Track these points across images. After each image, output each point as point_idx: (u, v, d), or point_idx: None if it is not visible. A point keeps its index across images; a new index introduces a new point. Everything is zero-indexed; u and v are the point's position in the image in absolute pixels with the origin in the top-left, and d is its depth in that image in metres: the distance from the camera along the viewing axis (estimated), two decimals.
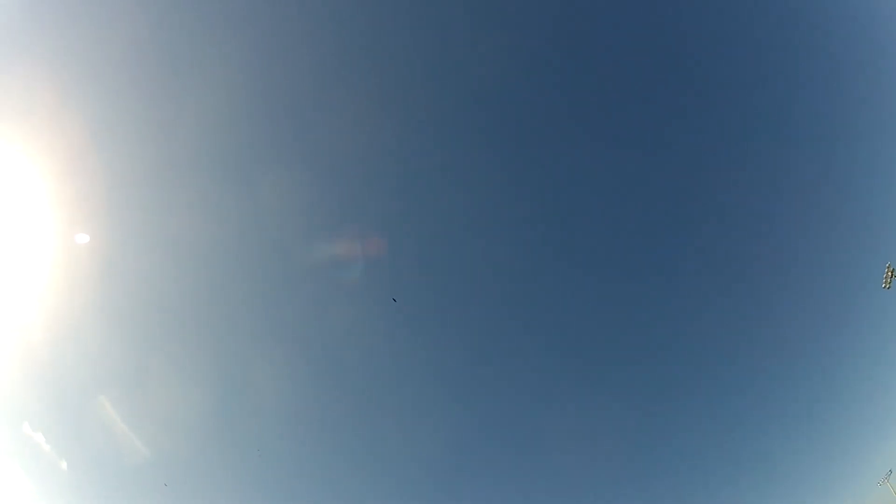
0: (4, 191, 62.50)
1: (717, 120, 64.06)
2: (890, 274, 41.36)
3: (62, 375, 67.36)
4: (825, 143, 60.72)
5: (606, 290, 72.87)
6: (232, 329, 74.45)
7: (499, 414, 73.75)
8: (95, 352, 67.90)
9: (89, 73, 61.16)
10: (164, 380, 70.54)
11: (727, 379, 69.63)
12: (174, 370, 70.61)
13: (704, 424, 70.30)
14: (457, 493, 71.34)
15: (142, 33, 59.95)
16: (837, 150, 60.13)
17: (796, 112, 61.88)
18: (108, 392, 69.05)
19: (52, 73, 59.56)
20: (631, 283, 72.26)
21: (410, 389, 76.12)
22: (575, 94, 66.20)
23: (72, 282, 65.62)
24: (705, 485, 68.46)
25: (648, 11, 59.57)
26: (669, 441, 70.98)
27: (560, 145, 68.93)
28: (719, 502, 68.08)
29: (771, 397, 67.99)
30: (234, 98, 64.14)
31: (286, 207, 68.88)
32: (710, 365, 70.47)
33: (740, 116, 62.86)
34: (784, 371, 67.18)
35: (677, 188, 67.92)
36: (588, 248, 72.85)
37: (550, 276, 74.07)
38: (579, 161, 69.36)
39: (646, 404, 71.46)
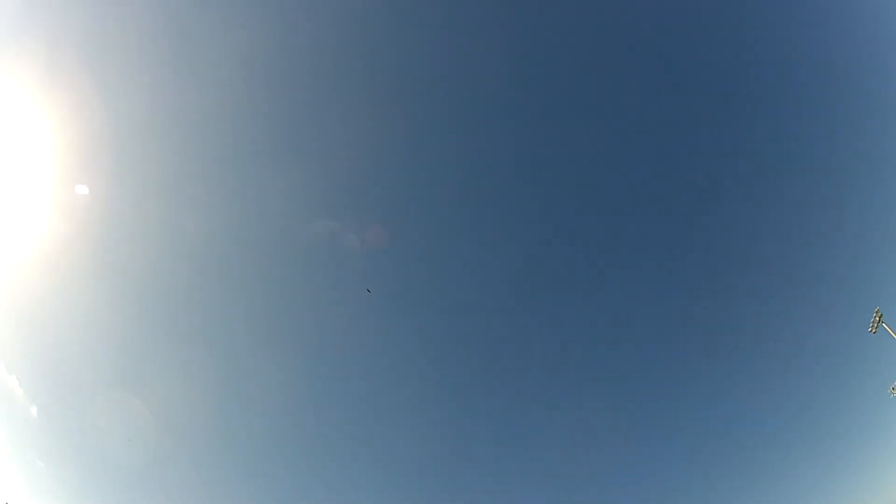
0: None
1: (714, 129, 64.35)
2: (878, 319, 41.27)
3: (45, 323, 67.30)
4: (821, 176, 61.12)
5: (605, 288, 73.20)
6: (223, 309, 74.25)
7: (498, 413, 73.95)
8: (81, 304, 67.73)
9: (94, 62, 61.10)
10: (150, 345, 70.61)
11: (707, 413, 69.91)
12: (160, 338, 70.69)
13: (684, 457, 70.50)
14: (456, 492, 71.50)
15: (146, 28, 59.95)
16: (833, 186, 60.46)
17: (801, 148, 62.25)
18: (89, 346, 69.16)
19: (55, 65, 59.62)
20: (628, 282, 72.59)
21: (410, 387, 76.09)
22: (576, 94, 66.28)
23: (64, 235, 65.65)
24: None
25: (649, 13, 59.68)
26: (638, 475, 71.15)
27: (562, 144, 69.01)
28: None
29: (745, 436, 68.12)
30: (234, 92, 64.09)
31: (289, 201, 69.06)
32: (691, 400, 70.71)
33: (737, 131, 63.23)
34: (760, 410, 67.41)
35: (676, 194, 68.34)
36: (588, 246, 73.16)
37: (550, 275, 74.31)
38: (580, 160, 69.54)
39: (635, 407, 72.02)
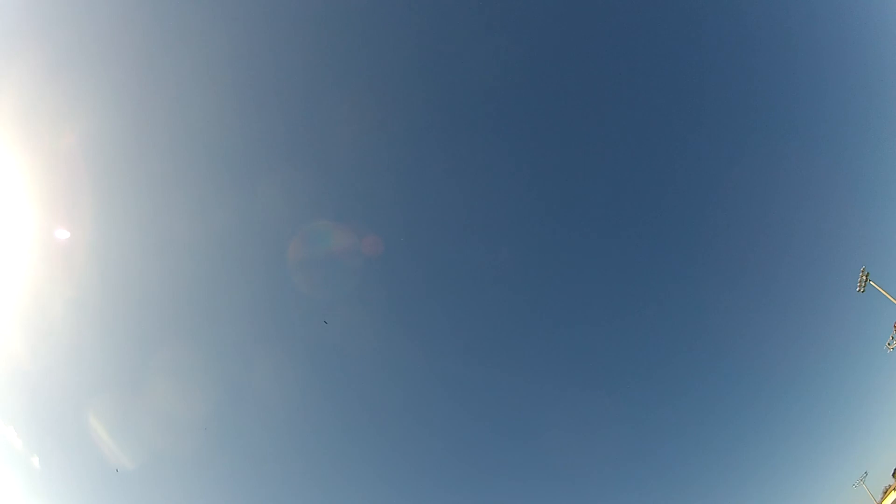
0: None
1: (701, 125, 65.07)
2: (864, 277, 41.97)
3: (38, 371, 65.92)
4: (808, 146, 62.02)
5: (602, 290, 73.69)
6: (221, 325, 73.37)
7: (497, 413, 74.09)
8: (72, 350, 66.60)
9: (84, 69, 60.06)
10: (140, 379, 69.40)
11: (708, 385, 70.67)
12: (152, 369, 69.37)
13: (687, 427, 71.08)
14: (455, 492, 71.13)
15: (142, 30, 59.06)
16: (819, 153, 61.40)
17: (783, 114, 63.16)
18: (84, 391, 67.84)
19: (49, 69, 58.47)
20: (624, 283, 73.16)
21: (410, 389, 75.90)
22: (576, 95, 66.64)
23: (52, 278, 64.45)
24: (686, 486, 68.88)
25: (649, 12, 60.23)
26: (651, 441, 71.58)
27: (562, 145, 69.50)
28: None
29: (748, 401, 68.98)
30: (229, 96, 63.77)
31: (283, 206, 68.55)
32: (692, 371, 71.37)
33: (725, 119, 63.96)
34: (761, 375, 68.23)
35: (669, 195, 68.93)
36: (587, 248, 73.68)
37: (549, 276, 74.66)
38: (579, 162, 70.10)
39: (630, 408, 72.23)
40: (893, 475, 56.78)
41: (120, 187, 63.88)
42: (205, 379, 69.68)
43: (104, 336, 67.90)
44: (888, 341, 43.17)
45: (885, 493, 54.80)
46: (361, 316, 72.52)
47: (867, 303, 44.09)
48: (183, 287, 69.41)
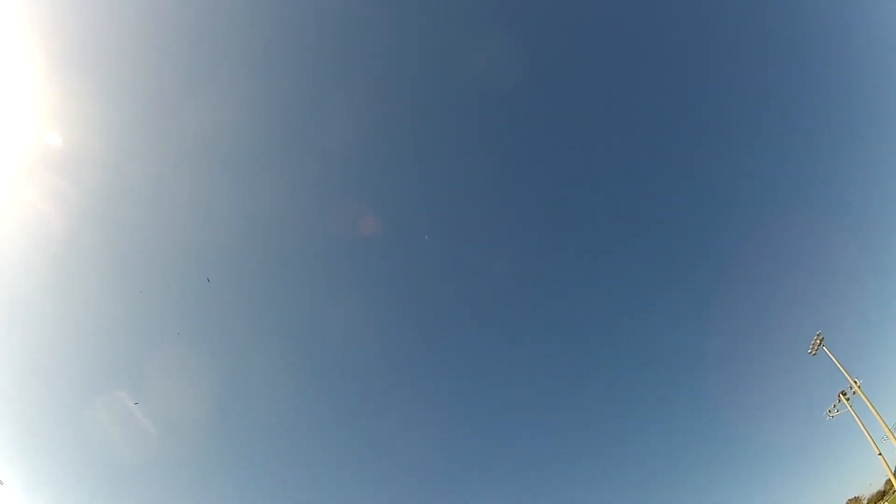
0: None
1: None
2: (819, 342, 44.95)
3: None
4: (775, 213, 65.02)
5: (601, 289, 74.49)
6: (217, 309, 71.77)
7: (494, 409, 76.41)
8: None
9: (93, 67, 59.45)
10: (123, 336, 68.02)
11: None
12: (146, 347, 68.72)
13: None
14: (454, 490, 71.76)
15: (148, 29, 58.30)
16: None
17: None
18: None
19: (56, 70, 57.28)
20: (621, 283, 74.07)
21: (410, 387, 75.89)
22: (576, 94, 68.11)
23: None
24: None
25: (650, 13, 61.90)
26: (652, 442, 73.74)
27: (562, 145, 70.71)
28: None
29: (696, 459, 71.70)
30: (234, 91, 63.65)
31: (287, 200, 68.38)
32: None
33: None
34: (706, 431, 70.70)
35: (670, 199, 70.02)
36: (585, 245, 74.71)
37: (546, 273, 75.56)
38: (578, 161, 71.33)
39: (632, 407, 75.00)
40: None
41: (127, 184, 62.83)
42: (200, 371, 68.82)
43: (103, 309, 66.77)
44: (829, 409, 45.78)
45: None
46: (359, 311, 73.00)
47: (812, 366, 46.67)
48: (180, 279, 68.33)
